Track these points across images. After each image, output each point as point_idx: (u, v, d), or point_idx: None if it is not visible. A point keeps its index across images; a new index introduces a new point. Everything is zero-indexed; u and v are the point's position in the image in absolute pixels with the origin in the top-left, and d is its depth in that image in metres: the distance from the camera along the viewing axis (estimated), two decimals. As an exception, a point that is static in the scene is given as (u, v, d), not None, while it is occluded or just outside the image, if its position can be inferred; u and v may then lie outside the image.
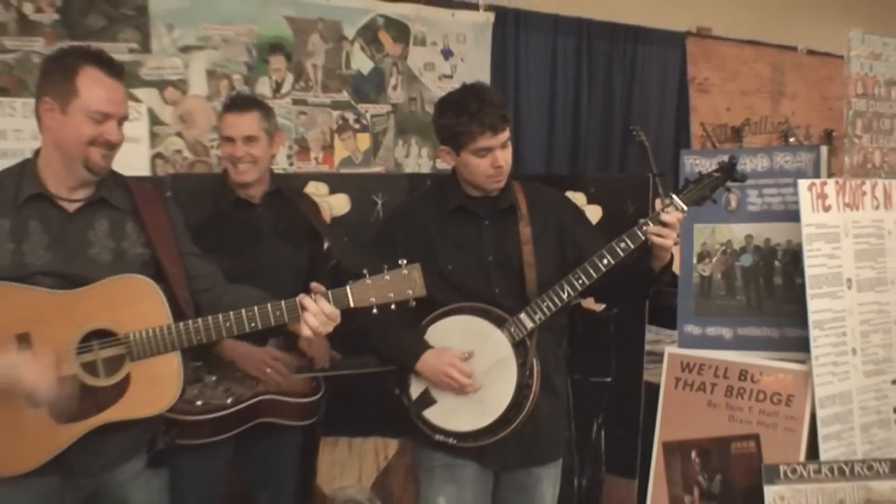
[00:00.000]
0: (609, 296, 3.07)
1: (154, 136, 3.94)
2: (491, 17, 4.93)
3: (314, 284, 2.26)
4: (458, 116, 2.58)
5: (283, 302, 2.23)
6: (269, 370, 2.96)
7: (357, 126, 4.58)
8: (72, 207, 2.25)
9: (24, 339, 2.15)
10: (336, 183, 3.81)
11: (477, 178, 2.62)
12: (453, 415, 2.60)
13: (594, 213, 3.57)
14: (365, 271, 2.25)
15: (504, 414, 2.55)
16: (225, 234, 2.98)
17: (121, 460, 2.32)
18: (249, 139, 2.99)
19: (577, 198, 3.54)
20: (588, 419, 3.66)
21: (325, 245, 3.23)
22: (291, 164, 4.30)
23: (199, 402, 2.89)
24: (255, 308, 2.22)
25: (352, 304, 2.23)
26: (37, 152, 2.28)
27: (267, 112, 3.10)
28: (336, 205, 3.78)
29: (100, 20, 3.86)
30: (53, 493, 2.24)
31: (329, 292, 2.23)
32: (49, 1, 3.75)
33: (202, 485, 3.03)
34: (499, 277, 2.65)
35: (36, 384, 2.08)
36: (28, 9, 3.72)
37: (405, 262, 2.26)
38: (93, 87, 2.17)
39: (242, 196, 3.06)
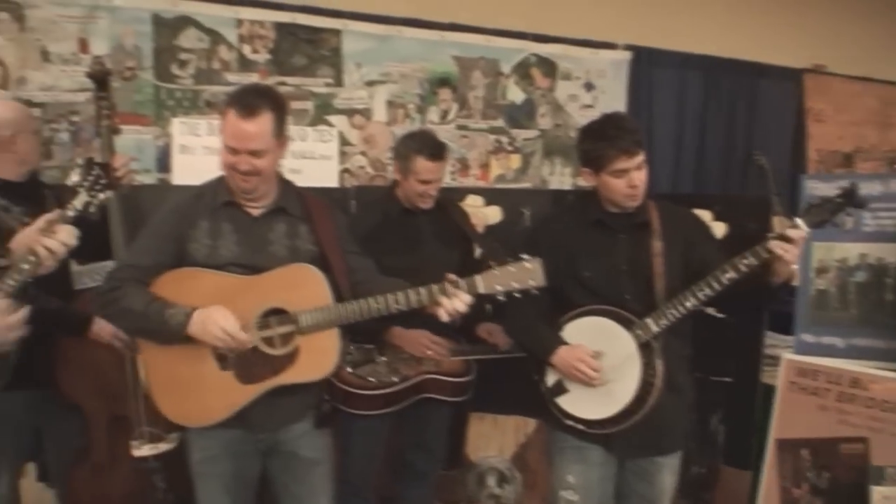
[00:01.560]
0: (729, 305, 2.87)
1: (343, 155, 3.97)
2: (628, 55, 4.73)
3: (449, 275, 2.23)
4: (596, 142, 2.45)
5: (421, 288, 2.21)
6: (429, 352, 2.92)
7: (510, 148, 4.50)
8: (256, 213, 2.32)
9: None
10: (491, 196, 3.78)
11: (615, 196, 2.48)
12: (582, 404, 2.47)
13: (719, 230, 3.34)
14: (492, 262, 2.22)
15: (627, 407, 2.40)
16: (393, 236, 2.97)
17: (292, 420, 2.34)
18: (438, 180, 3.00)
19: (704, 215, 3.33)
20: (708, 414, 3.44)
21: (475, 248, 3.16)
22: (454, 179, 4.25)
23: (371, 379, 2.88)
24: (399, 292, 2.22)
25: (480, 291, 2.20)
26: None
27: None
28: (490, 214, 3.75)
29: (302, 59, 3.92)
30: (237, 443, 2.31)
31: (462, 280, 2.20)
32: (263, 44, 3.84)
33: (368, 447, 3.02)
34: (630, 285, 2.49)
35: (225, 324, 2.13)
36: (247, 50, 3.81)
37: (527, 255, 2.21)
38: (227, 126, 2.20)
39: (408, 206, 3.04)
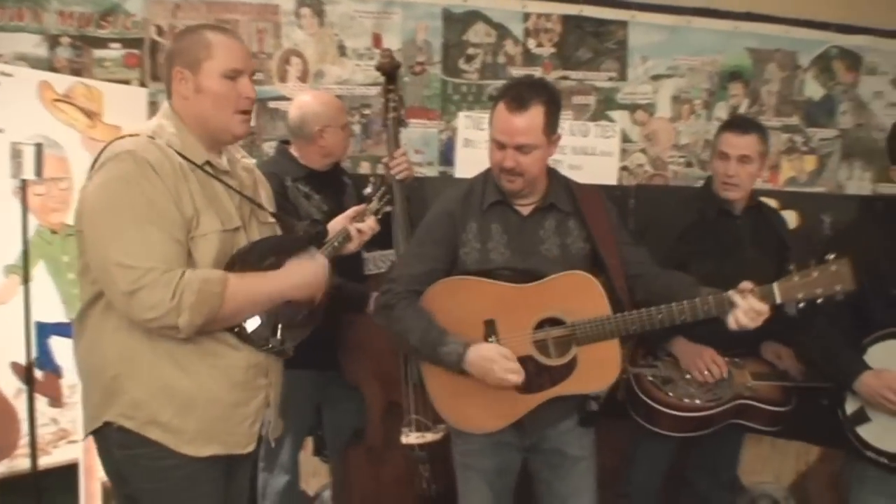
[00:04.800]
0: None
1: (623, 152, 3.81)
2: (949, 46, 4.11)
3: (743, 283, 2.02)
4: None
5: (711, 297, 2.04)
6: (706, 372, 2.57)
7: (804, 148, 4.08)
8: (526, 211, 2.24)
9: (490, 325, 2.16)
10: (786, 200, 3.43)
11: None
12: (889, 435, 2.20)
13: None
14: (791, 267, 2.00)
15: None
16: (707, 240, 2.68)
17: (558, 419, 2.26)
18: (743, 158, 2.63)
19: None
20: None
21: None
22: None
23: (686, 400, 2.56)
24: (685, 302, 2.07)
25: (778, 300, 2.01)
26: None
27: (764, 135, 2.70)
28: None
29: (587, 53, 3.82)
30: (507, 443, 2.27)
31: (756, 288, 2.01)
32: (549, 37, 3.78)
33: (657, 463, 2.83)
34: None
35: (504, 374, 2.08)
36: (532, 44, 3.78)
37: (832, 256, 2.00)
38: (495, 119, 2.15)
39: (726, 208, 2.72)
